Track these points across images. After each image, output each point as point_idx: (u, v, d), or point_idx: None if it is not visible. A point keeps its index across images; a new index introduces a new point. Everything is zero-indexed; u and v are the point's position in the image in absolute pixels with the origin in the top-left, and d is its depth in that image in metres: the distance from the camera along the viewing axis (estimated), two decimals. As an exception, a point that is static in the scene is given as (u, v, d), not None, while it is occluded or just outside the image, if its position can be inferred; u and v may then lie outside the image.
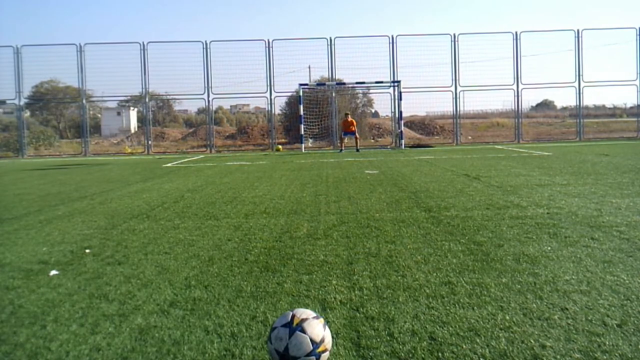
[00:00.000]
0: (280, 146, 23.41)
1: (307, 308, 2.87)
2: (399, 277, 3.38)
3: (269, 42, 23.19)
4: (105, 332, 2.64)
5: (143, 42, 23.34)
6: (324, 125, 24.16)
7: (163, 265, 3.85)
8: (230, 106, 49.68)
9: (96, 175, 12.34)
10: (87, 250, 4.39)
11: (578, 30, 23.38)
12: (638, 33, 23.58)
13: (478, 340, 2.40)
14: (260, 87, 23.30)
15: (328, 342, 2.18)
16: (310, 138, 21.43)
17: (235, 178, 10.33)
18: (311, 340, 2.11)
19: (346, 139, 20.97)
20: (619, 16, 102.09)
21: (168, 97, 29.04)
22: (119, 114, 43.37)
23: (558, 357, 2.23)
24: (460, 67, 23.24)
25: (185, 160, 17.88)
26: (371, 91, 27.27)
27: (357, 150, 20.03)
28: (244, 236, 4.76)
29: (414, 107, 25.46)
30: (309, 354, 2.10)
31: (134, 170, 13.44)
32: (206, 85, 23.19)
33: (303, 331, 2.12)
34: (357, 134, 20.44)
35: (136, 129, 39.12)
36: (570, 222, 4.93)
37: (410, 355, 2.29)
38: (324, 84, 23.75)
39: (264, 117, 32.08)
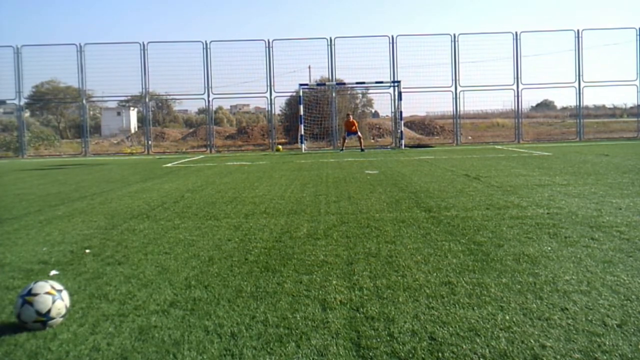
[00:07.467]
0: (280, 146, 23.40)
1: (307, 308, 2.87)
2: (399, 277, 3.38)
3: (269, 42, 23.18)
4: (105, 332, 2.64)
5: (143, 42, 23.35)
6: (324, 125, 24.15)
7: (163, 265, 3.85)
8: (230, 106, 49.70)
9: (96, 175, 12.34)
10: (87, 250, 4.39)
11: (578, 30, 23.38)
12: (638, 33, 23.57)
13: (478, 340, 2.40)
14: (260, 87, 23.30)
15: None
16: (305, 141, 21.41)
17: (235, 178, 10.33)
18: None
19: (348, 139, 20.93)
20: (619, 16, 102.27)
21: (168, 97, 29.00)
22: (119, 114, 43.36)
23: (558, 357, 2.23)
24: (460, 67, 23.24)
25: (185, 160, 17.88)
26: (371, 91, 27.24)
27: (362, 150, 20.05)
28: (244, 236, 4.76)
29: (414, 107, 25.48)
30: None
31: (134, 170, 13.44)
32: (206, 85, 23.18)
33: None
34: (359, 134, 20.45)
35: (136, 129, 39.10)
36: (570, 222, 4.93)
37: (410, 355, 2.29)
38: (324, 84, 23.74)
39: (264, 117, 32.07)
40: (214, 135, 24.65)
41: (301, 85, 22.31)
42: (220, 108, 42.21)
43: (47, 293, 2.70)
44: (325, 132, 24.31)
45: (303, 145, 21.65)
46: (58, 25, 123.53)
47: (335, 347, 2.38)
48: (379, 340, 2.44)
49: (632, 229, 4.53)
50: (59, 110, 32.26)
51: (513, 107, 24.34)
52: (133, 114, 42.86)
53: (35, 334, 2.64)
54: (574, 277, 3.28)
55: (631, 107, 29.46)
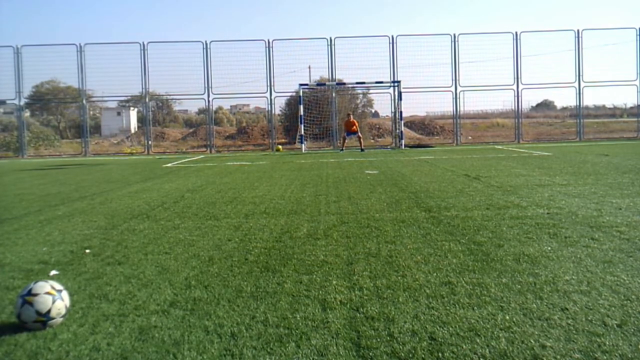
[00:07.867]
0: (280, 146, 23.40)
1: (307, 308, 2.87)
2: (399, 277, 3.38)
3: (269, 42, 23.18)
4: (105, 332, 2.64)
5: (143, 42, 23.35)
6: (324, 125, 24.16)
7: (163, 265, 3.85)
8: (231, 106, 49.71)
9: (96, 175, 12.34)
10: (87, 250, 4.39)
11: (578, 30, 23.38)
12: (638, 33, 23.57)
13: (478, 340, 2.40)
14: (260, 87, 23.30)
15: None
16: (305, 141, 21.44)
17: (235, 178, 10.33)
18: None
19: (348, 139, 20.94)
20: (619, 16, 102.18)
21: (168, 97, 29.01)
22: (119, 114, 43.36)
23: (558, 357, 2.23)
24: (460, 67, 23.24)
25: (185, 160, 17.88)
26: (371, 91, 27.25)
27: (362, 150, 20.07)
28: (244, 236, 4.76)
29: (414, 107, 25.47)
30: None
31: (134, 171, 13.44)
32: (206, 85, 23.18)
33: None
34: (359, 134, 20.47)
35: (136, 129, 39.11)
36: (570, 222, 4.93)
37: (410, 355, 2.29)
38: (324, 84, 23.74)
39: (264, 117, 32.07)
40: (214, 135, 24.65)
41: (301, 85, 22.31)
42: (220, 108, 42.26)
43: (47, 293, 2.70)
44: (325, 132, 24.31)
45: (303, 145, 21.65)
46: (58, 25, 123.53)
47: (335, 347, 2.38)
48: (379, 340, 2.44)
49: (632, 229, 4.53)
50: (59, 110, 32.27)
51: (513, 107, 24.35)
52: (133, 114, 42.86)
53: (35, 334, 2.64)
54: (574, 277, 3.28)
55: (631, 107, 29.45)
